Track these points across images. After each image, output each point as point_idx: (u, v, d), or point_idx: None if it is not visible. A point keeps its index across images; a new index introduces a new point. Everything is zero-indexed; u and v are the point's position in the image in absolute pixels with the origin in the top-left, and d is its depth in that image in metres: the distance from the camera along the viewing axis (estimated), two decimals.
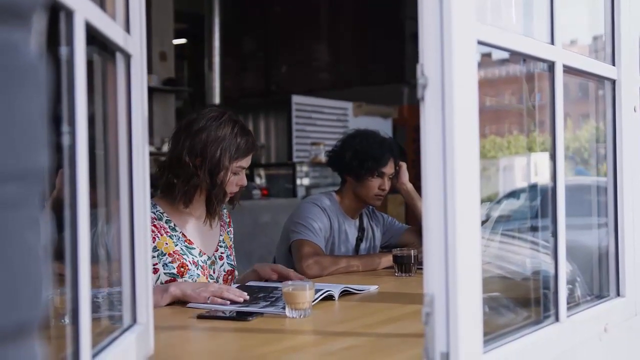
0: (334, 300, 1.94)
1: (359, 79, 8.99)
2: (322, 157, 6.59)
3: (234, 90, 9.59)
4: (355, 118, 7.68)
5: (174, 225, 2.12)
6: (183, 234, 2.12)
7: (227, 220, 2.33)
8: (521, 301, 1.59)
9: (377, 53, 8.92)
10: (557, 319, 1.42)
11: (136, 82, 1.22)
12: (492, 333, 1.22)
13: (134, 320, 1.23)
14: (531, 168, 1.71)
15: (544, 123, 1.48)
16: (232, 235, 2.32)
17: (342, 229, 2.76)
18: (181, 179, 2.08)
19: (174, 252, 2.07)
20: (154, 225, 2.05)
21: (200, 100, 8.41)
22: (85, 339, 0.88)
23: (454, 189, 1.06)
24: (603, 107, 1.74)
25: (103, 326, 1.23)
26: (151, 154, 5.56)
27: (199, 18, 8.45)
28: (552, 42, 1.42)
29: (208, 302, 1.85)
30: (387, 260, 2.58)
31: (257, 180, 6.89)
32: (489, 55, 1.33)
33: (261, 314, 1.74)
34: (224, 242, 2.25)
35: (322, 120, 7.65)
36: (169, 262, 2.05)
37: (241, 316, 1.72)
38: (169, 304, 1.89)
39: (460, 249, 1.06)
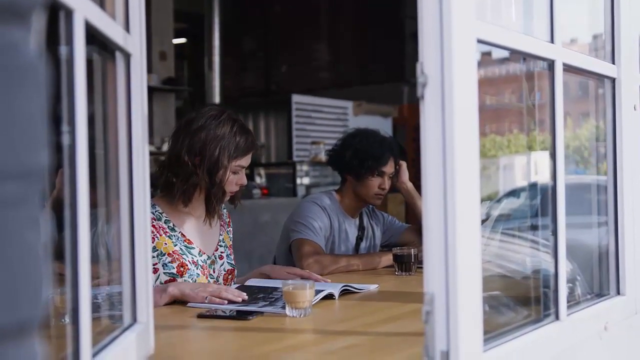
0: (334, 299, 1.95)
1: (359, 78, 9.00)
2: (322, 157, 6.59)
3: (234, 90, 9.59)
4: (355, 117, 7.69)
5: (173, 225, 2.12)
6: (182, 233, 2.12)
7: (227, 219, 2.32)
8: (521, 300, 1.59)
9: (377, 52, 8.92)
10: (557, 318, 1.42)
11: (136, 81, 1.22)
12: (492, 332, 1.22)
13: (134, 319, 1.23)
14: (531, 167, 1.71)
15: (544, 122, 1.48)
16: (231, 235, 2.32)
17: (342, 228, 2.76)
18: (180, 178, 2.07)
19: (173, 252, 2.07)
20: (153, 226, 2.05)
21: (200, 100, 8.40)
22: (85, 338, 0.88)
23: (454, 187, 1.06)
24: (603, 106, 1.74)
25: (103, 325, 1.23)
26: (151, 153, 5.56)
27: (198, 18, 8.45)
28: (552, 41, 1.42)
29: (206, 301, 1.85)
30: (387, 259, 2.58)
31: (257, 180, 6.89)
32: (489, 53, 1.33)
33: (261, 313, 1.74)
34: (223, 242, 2.25)
35: (322, 120, 7.66)
36: (169, 262, 2.05)
37: (241, 315, 1.72)
38: (169, 304, 1.89)
39: (460, 248, 1.06)
